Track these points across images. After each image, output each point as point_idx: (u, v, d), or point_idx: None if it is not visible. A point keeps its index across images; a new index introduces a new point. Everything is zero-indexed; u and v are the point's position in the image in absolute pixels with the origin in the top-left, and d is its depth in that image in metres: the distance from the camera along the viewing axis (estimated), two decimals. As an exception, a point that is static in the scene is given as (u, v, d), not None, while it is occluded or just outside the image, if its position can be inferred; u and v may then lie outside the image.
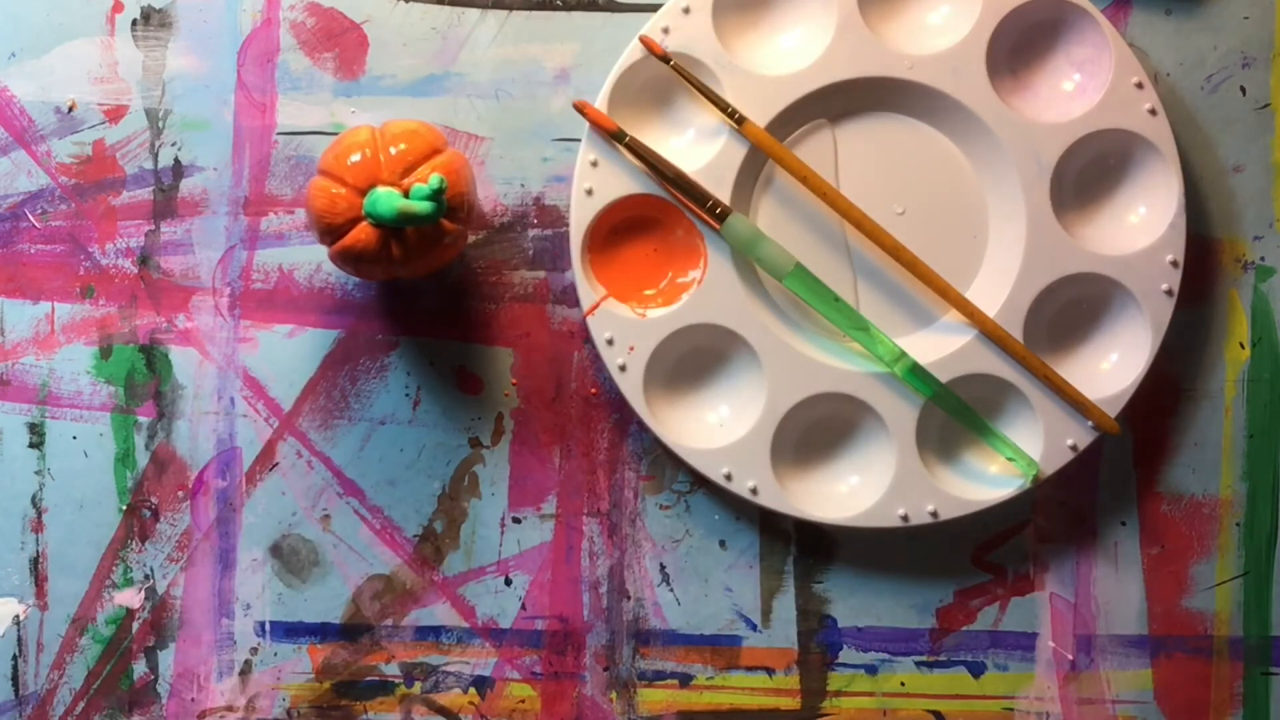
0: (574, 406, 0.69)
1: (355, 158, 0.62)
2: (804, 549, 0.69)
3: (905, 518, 0.66)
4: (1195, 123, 0.69)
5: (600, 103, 0.66)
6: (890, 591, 0.69)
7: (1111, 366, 0.68)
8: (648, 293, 0.68)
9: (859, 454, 0.68)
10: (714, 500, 0.69)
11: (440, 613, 0.69)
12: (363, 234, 0.61)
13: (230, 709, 0.68)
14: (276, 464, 0.68)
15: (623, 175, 0.66)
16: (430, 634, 0.69)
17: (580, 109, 0.64)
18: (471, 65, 0.69)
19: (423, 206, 0.60)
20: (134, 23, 0.69)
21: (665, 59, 0.65)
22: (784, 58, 0.68)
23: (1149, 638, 0.69)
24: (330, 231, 0.62)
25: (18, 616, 0.68)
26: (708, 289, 0.67)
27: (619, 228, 0.68)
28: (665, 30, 0.66)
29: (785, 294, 0.68)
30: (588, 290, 0.67)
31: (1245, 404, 0.69)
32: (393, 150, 0.62)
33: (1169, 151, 0.67)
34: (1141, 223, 0.68)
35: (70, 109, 0.69)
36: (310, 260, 0.69)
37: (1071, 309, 0.68)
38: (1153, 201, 0.68)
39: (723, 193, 0.66)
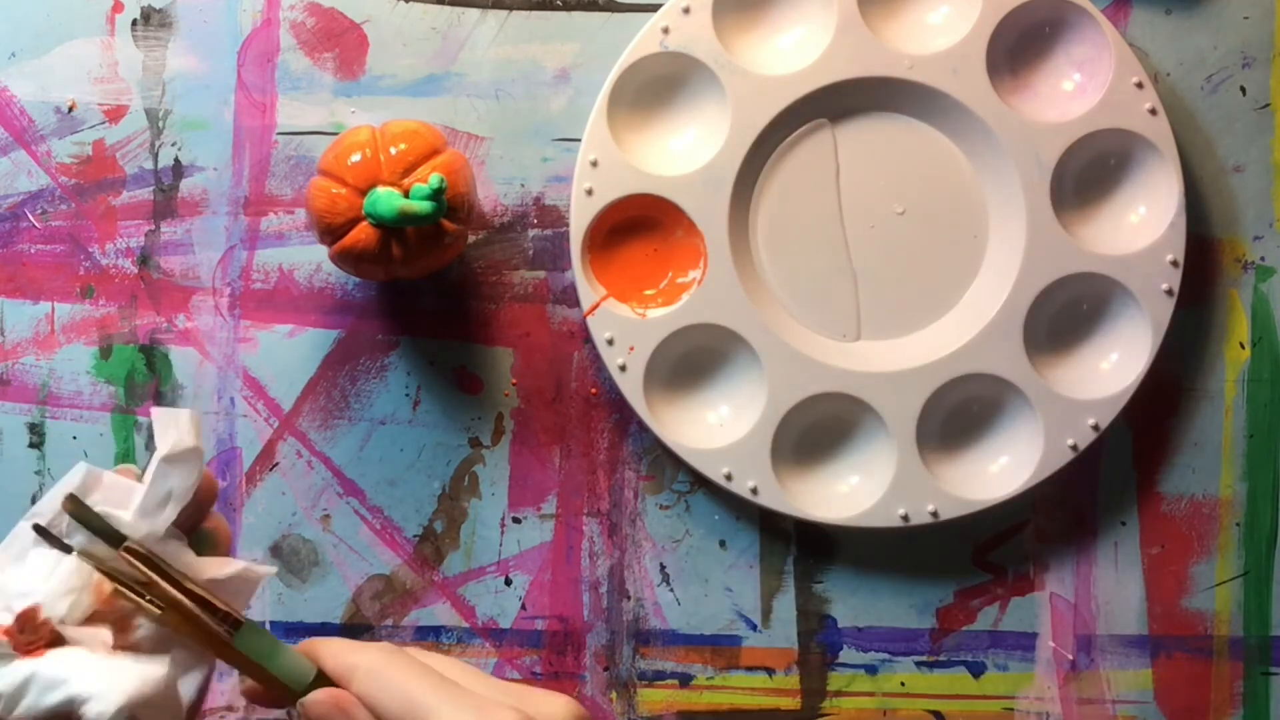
0: (574, 406, 0.69)
1: (355, 158, 0.62)
2: (804, 549, 0.69)
3: (905, 518, 0.66)
4: (1195, 123, 0.69)
5: (600, 102, 0.66)
6: (890, 591, 0.69)
7: (1111, 366, 0.68)
8: (648, 293, 0.68)
9: (859, 454, 0.68)
10: (714, 500, 0.69)
11: (440, 613, 0.69)
12: (363, 234, 0.61)
13: (230, 709, 0.68)
14: (276, 464, 0.68)
15: (623, 175, 0.66)
16: (430, 634, 0.69)
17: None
18: (471, 65, 0.69)
19: (423, 206, 0.60)
20: (134, 23, 0.69)
21: None
22: (784, 58, 0.68)
23: (1149, 638, 0.69)
24: (330, 231, 0.62)
25: (17, 616, 0.68)
26: (708, 289, 0.67)
27: (619, 228, 0.68)
28: (665, 30, 0.66)
29: (785, 294, 0.68)
30: (588, 290, 0.67)
31: (1245, 404, 0.69)
32: (393, 150, 0.62)
33: (1169, 151, 0.67)
34: (1141, 223, 0.68)
35: (70, 109, 0.69)
36: (310, 260, 0.69)
37: (1071, 309, 0.68)
38: (1153, 201, 0.68)
39: (723, 192, 0.66)
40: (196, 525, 0.46)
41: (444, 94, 0.69)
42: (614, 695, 0.69)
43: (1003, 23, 0.67)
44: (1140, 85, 0.67)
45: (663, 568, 0.69)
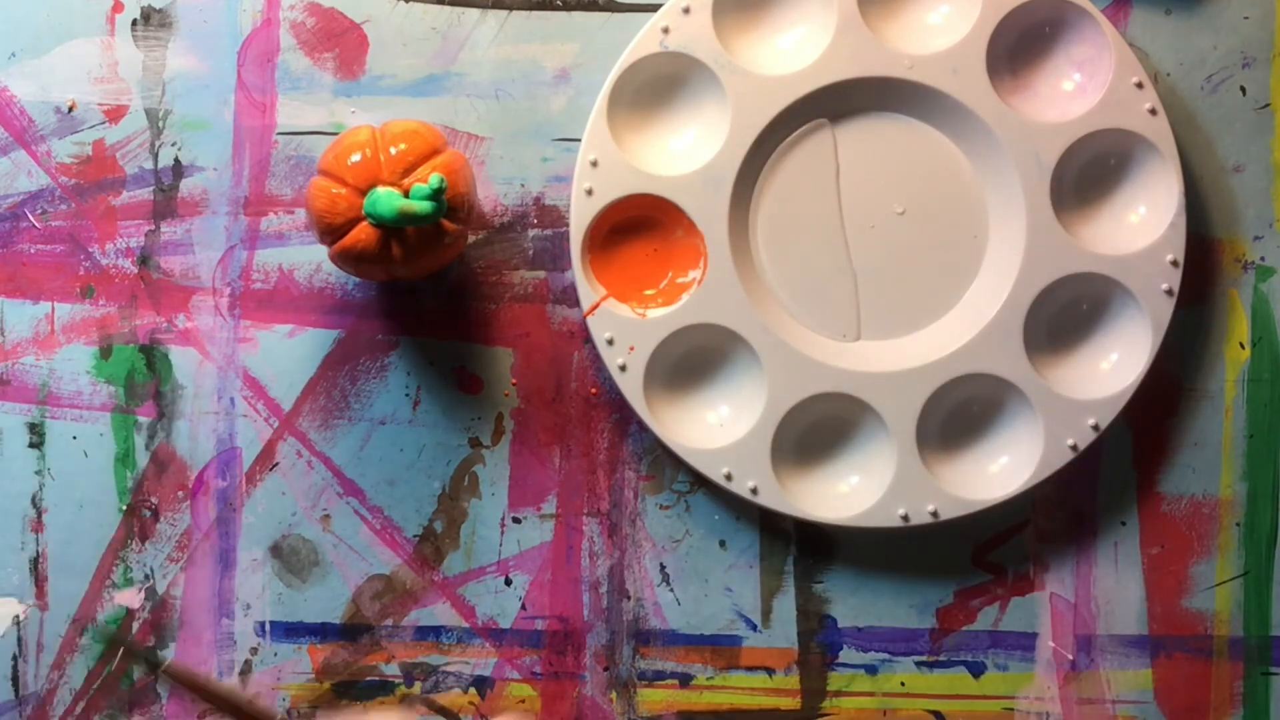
0: (574, 406, 0.69)
1: (355, 158, 0.62)
2: (804, 549, 0.69)
3: (905, 518, 0.66)
4: (1195, 123, 0.69)
5: (600, 102, 0.66)
6: (890, 591, 0.69)
7: (1111, 366, 0.68)
8: (648, 293, 0.68)
9: (859, 454, 0.68)
10: (714, 500, 0.69)
11: (440, 613, 0.69)
12: (363, 234, 0.61)
13: (230, 709, 0.68)
14: (276, 464, 0.68)
15: (623, 175, 0.66)
16: (430, 634, 0.69)
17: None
18: (471, 65, 0.69)
19: (423, 206, 0.60)
20: (134, 23, 0.69)
21: None
22: (784, 58, 0.68)
23: (1149, 638, 0.69)
24: (330, 231, 0.62)
25: (18, 616, 0.68)
26: (708, 289, 0.67)
27: (619, 228, 0.68)
28: (665, 30, 0.66)
29: (785, 294, 0.68)
30: (588, 290, 0.67)
31: (1245, 404, 0.69)
32: (393, 150, 0.62)
33: (1169, 151, 0.67)
34: (1141, 223, 0.68)
35: (70, 109, 0.69)
36: (310, 260, 0.69)
37: (1071, 309, 0.68)
38: (1153, 201, 0.68)
39: (723, 192, 0.66)
40: None
41: (444, 94, 0.69)
42: (614, 695, 0.69)
43: (1003, 23, 0.67)
44: (1140, 85, 0.67)
45: (663, 568, 0.69)
